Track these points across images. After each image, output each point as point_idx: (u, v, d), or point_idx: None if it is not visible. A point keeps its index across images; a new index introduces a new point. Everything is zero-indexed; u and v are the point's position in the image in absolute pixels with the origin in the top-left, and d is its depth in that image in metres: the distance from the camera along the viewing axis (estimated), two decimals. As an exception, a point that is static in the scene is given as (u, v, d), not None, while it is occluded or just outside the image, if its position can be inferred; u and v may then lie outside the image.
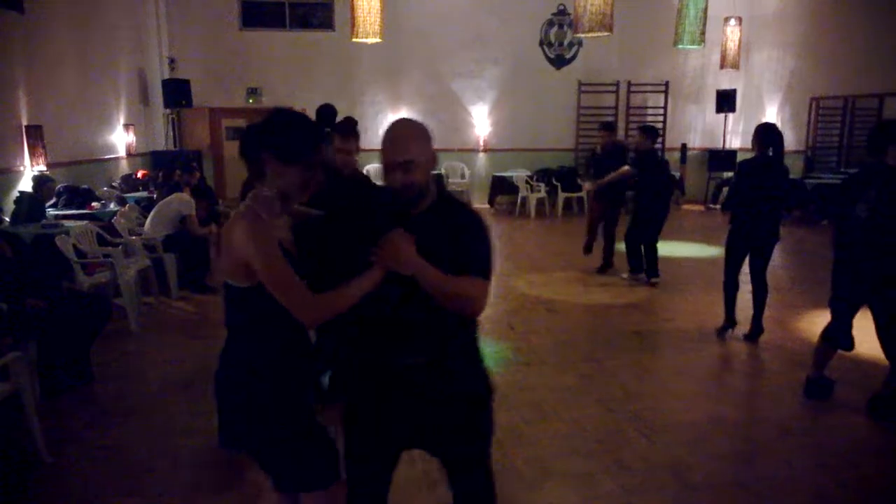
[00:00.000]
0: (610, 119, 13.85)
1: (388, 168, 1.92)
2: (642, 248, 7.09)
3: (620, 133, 14.07)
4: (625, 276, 7.31)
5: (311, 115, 2.60)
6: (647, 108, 13.97)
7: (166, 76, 12.02)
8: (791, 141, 13.01)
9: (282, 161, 1.91)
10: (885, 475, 3.35)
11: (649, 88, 13.96)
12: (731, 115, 13.42)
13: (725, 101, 13.09)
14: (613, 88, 13.77)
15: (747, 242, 5.12)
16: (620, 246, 7.41)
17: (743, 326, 5.37)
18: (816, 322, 5.69)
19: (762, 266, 5.18)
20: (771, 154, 5.01)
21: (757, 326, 5.31)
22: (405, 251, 1.84)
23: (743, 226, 5.08)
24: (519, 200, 12.56)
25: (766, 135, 5.05)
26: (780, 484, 3.21)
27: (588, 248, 7.89)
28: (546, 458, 3.45)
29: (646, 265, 7.11)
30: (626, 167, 7.02)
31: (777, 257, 8.73)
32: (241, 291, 1.91)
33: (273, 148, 1.91)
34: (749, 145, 5.31)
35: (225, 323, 2.00)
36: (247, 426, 1.97)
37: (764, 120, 12.85)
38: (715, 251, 5.47)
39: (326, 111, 5.90)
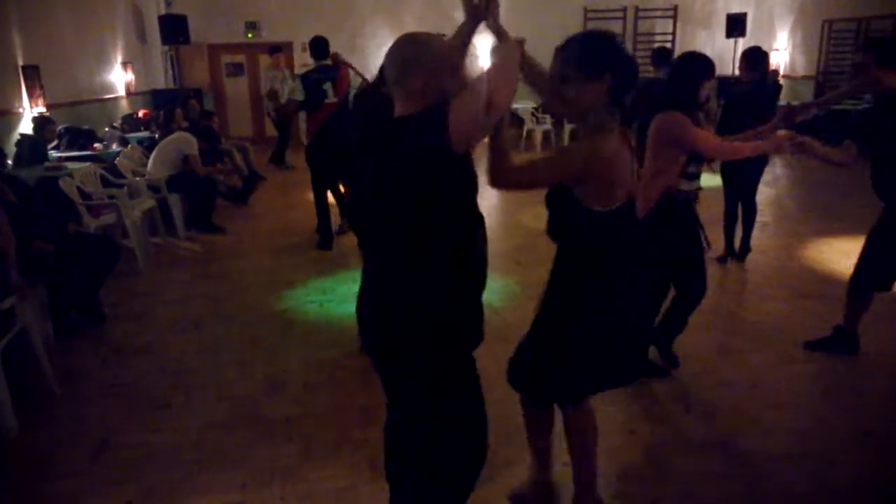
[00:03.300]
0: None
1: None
2: None
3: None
4: None
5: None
6: (654, 34, 13.56)
7: (162, 12, 11.71)
8: (802, 66, 12.69)
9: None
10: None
11: (658, 14, 13.52)
12: (741, 41, 13.02)
13: (735, 26, 12.67)
14: (620, 15, 13.34)
15: (739, 165, 5.06)
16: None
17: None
18: (823, 251, 5.69)
19: (753, 187, 5.33)
20: (759, 79, 4.94)
21: (745, 246, 5.47)
22: None
23: None
24: (524, 133, 12.37)
25: (755, 59, 4.94)
26: (781, 409, 3.27)
27: None
28: (552, 388, 3.50)
29: None
30: None
31: (784, 185, 8.65)
32: None
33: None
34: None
35: None
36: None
37: (774, 45, 12.52)
38: (720, 180, 5.43)
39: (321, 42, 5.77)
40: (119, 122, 8.97)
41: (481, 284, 1.95)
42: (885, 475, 2.82)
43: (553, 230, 2.28)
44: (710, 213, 6.39)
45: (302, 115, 8.13)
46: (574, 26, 13.16)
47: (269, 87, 9.53)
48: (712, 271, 5.30)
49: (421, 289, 1.84)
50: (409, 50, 1.79)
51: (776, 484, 2.72)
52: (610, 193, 2.06)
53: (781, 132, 3.48)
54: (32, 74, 7.06)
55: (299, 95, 5.87)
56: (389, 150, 1.78)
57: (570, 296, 2.21)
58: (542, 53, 2.24)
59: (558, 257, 2.27)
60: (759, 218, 5.51)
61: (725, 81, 12.98)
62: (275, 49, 10.30)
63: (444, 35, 2.41)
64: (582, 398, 2.36)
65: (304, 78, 5.93)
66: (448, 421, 1.98)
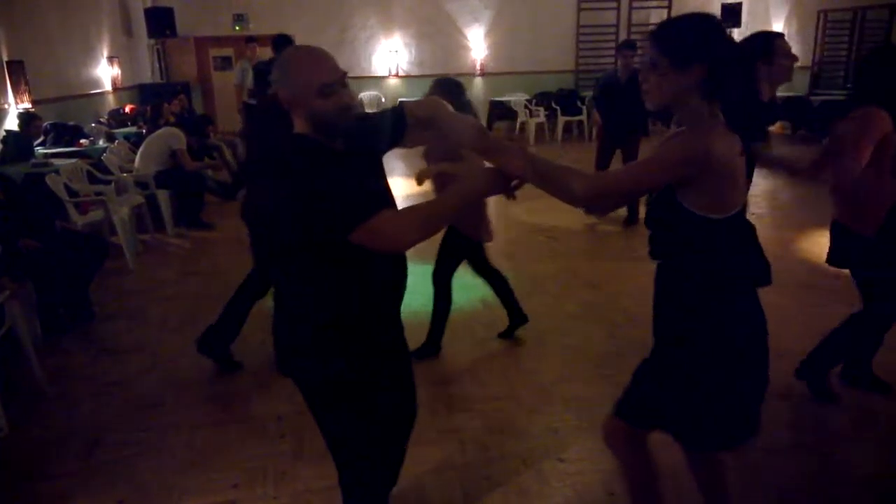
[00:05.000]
0: (611, 38, 13.46)
1: (335, 86, 1.68)
2: None
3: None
4: None
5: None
6: (649, 25, 13.50)
7: (148, 4, 11.58)
8: (798, 56, 12.64)
9: None
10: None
11: (653, 3, 13.48)
12: (736, 31, 13.01)
13: (730, 16, 12.66)
14: (615, 4, 13.30)
15: None
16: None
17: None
18: (820, 242, 5.67)
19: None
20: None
21: None
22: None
23: None
24: (518, 125, 12.33)
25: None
26: (775, 401, 3.24)
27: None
28: (546, 383, 3.48)
29: None
30: None
31: (778, 179, 8.64)
32: None
33: None
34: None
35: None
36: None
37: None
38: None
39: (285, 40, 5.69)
40: (106, 117, 8.87)
41: (379, 307, 1.89)
42: (882, 467, 2.80)
43: (659, 248, 2.00)
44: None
45: None
46: (567, 15, 13.13)
47: (239, 80, 9.36)
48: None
49: (299, 303, 1.82)
50: (275, 69, 1.75)
51: (771, 476, 2.70)
52: (729, 196, 1.76)
53: None
54: (17, 70, 6.96)
55: (249, 83, 6.15)
56: (277, 170, 1.70)
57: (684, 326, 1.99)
58: (534, 41, 2.20)
59: (665, 284, 2.04)
60: (753, 210, 5.48)
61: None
62: (250, 39, 10.16)
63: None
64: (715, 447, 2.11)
65: (255, 68, 6.07)
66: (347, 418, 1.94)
